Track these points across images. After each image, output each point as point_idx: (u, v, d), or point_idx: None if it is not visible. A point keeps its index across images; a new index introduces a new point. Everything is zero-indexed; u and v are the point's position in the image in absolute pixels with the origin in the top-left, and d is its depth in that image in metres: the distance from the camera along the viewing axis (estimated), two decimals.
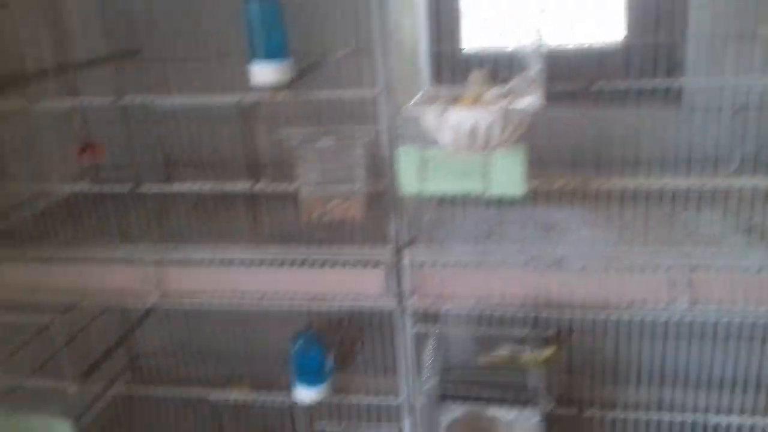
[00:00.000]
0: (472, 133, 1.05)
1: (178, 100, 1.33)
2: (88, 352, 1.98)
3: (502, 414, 1.47)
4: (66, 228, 1.50)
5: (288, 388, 1.51)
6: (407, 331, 1.42)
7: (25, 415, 1.68)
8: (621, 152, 1.44)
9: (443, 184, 1.26)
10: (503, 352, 1.46)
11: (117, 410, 1.94)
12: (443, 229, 1.43)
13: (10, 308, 1.58)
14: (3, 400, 1.70)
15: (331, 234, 1.38)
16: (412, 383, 1.48)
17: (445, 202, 1.45)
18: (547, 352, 1.47)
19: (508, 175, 1.23)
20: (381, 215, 1.35)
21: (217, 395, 1.66)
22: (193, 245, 1.43)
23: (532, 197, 1.29)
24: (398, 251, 1.36)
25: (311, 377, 1.47)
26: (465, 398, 1.47)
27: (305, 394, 1.48)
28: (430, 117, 1.11)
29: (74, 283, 1.51)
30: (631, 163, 1.41)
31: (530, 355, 1.46)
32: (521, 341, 1.44)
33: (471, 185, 1.25)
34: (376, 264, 1.37)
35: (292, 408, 1.58)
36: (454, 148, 1.11)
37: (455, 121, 1.07)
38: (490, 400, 1.49)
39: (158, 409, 1.76)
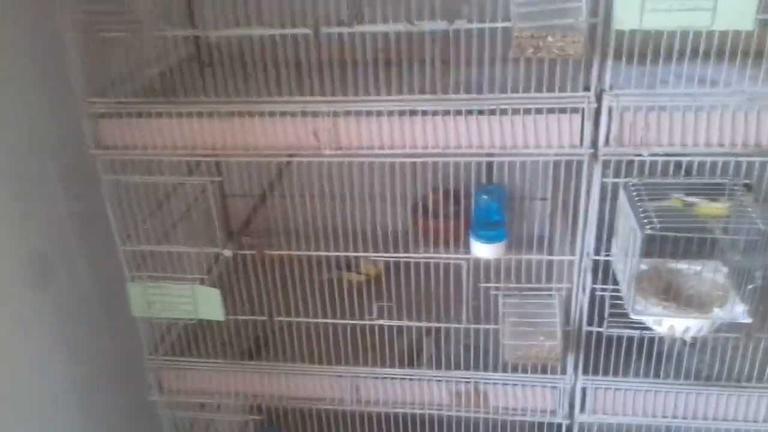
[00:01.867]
0: None
1: None
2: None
3: (688, 266, 1.44)
4: (230, 77, 1.41)
5: None
6: (596, 182, 1.37)
7: (171, 283, 1.65)
8: None
9: (666, 17, 1.18)
10: (679, 202, 1.40)
11: (229, 274, 1.91)
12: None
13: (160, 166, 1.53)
14: (139, 267, 1.67)
15: (526, 79, 1.30)
16: (592, 240, 1.45)
17: None
18: (727, 204, 1.41)
19: (740, 5, 1.15)
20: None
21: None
22: (372, 96, 1.36)
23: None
24: (599, 96, 1.30)
25: (491, 234, 1.43)
26: (648, 252, 1.43)
27: (485, 251, 1.45)
28: None
29: (237, 138, 1.44)
30: None
31: (706, 208, 1.41)
32: (703, 191, 1.38)
33: (697, 18, 1.17)
34: (574, 110, 1.31)
35: (458, 266, 1.54)
36: None
37: None
38: (673, 253, 1.45)
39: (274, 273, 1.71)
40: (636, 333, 1.53)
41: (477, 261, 1.55)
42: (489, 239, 1.43)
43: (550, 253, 1.52)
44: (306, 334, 1.76)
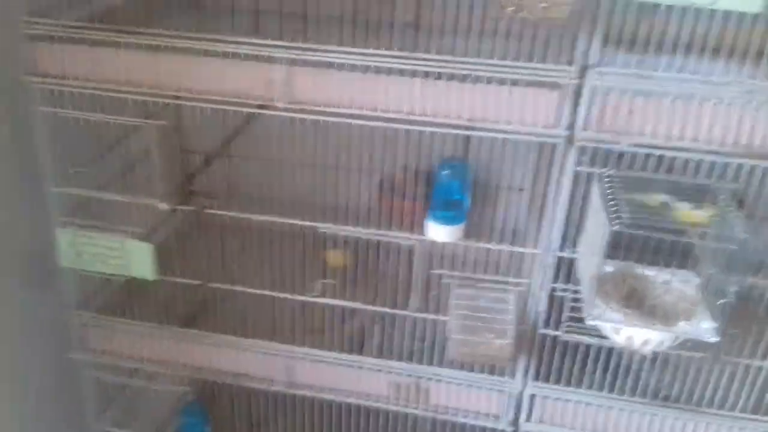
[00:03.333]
0: None
1: None
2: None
3: (657, 273, 1.32)
4: (186, 13, 1.28)
5: None
6: (569, 169, 1.25)
7: (102, 233, 1.52)
8: None
9: None
10: (656, 202, 1.27)
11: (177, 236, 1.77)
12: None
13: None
14: (73, 213, 1.54)
15: (505, 45, 1.18)
16: (558, 234, 1.33)
17: None
18: (707, 212, 1.29)
19: None
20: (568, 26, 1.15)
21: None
22: (333, 45, 1.23)
23: None
24: (582, 72, 1.17)
25: (449, 215, 1.31)
26: (615, 253, 1.32)
27: (439, 232, 1.32)
28: None
29: (184, 79, 1.31)
30: None
31: (685, 213, 1.28)
32: (686, 194, 1.26)
33: None
34: (553, 86, 1.19)
35: (410, 249, 1.41)
36: None
37: None
38: (642, 258, 1.34)
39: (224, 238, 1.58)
40: (594, 341, 1.41)
41: (433, 245, 1.42)
42: (445, 220, 1.31)
43: (512, 244, 1.39)
44: (243, 306, 1.63)
